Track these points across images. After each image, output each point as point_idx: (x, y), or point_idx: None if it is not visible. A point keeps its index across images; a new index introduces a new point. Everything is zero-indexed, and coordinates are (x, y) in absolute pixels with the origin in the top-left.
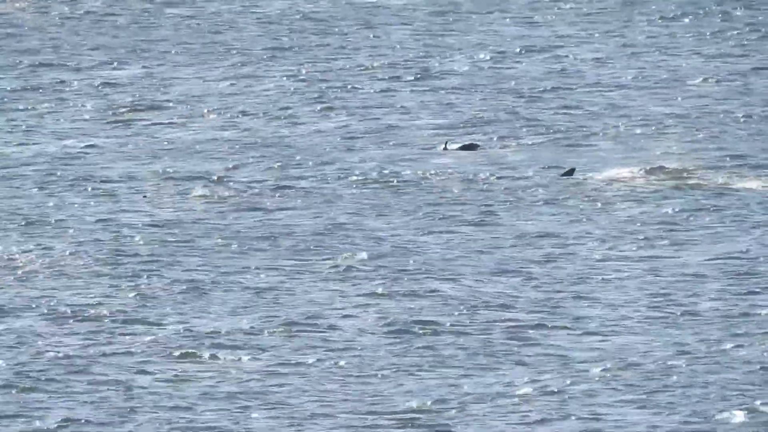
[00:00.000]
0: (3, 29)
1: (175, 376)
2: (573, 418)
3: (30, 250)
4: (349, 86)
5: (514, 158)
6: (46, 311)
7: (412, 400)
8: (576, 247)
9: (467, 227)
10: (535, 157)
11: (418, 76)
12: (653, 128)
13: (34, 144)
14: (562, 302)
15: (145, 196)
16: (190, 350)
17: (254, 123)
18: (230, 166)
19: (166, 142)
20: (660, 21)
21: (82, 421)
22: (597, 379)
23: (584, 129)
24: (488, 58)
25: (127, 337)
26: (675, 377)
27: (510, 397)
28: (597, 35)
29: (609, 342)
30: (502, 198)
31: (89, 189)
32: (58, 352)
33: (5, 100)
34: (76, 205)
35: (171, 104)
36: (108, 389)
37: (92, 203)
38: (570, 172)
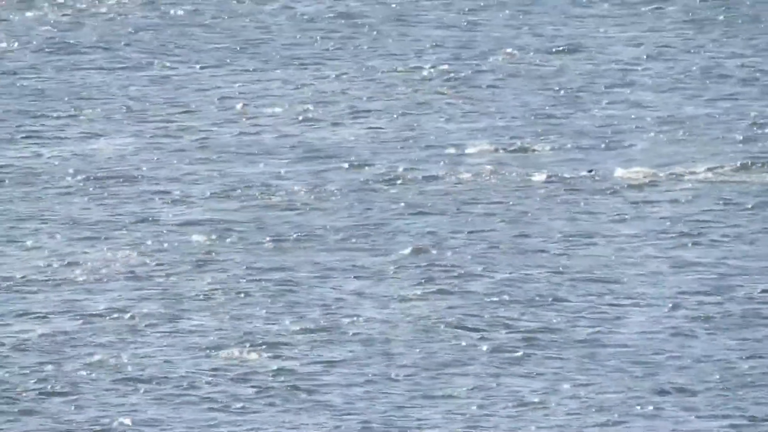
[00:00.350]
0: (39, 32)
1: (212, 375)
2: (612, 422)
3: (67, 254)
4: (382, 87)
5: (547, 158)
6: (83, 313)
7: (442, 401)
8: (609, 248)
9: (500, 226)
10: (567, 156)
11: (452, 76)
12: (686, 128)
13: (69, 146)
14: (597, 302)
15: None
16: (228, 350)
17: (288, 125)
18: (265, 167)
19: (201, 144)
20: (692, 21)
21: (115, 423)
22: (633, 381)
23: (617, 129)
24: (522, 57)
25: (164, 337)
26: (713, 380)
27: (540, 402)
28: (630, 35)
29: (643, 342)
30: (535, 197)
31: (123, 190)
32: (94, 354)
33: (40, 101)
34: (112, 207)
35: (205, 106)
36: (143, 390)
37: (128, 205)
38: (589, 172)
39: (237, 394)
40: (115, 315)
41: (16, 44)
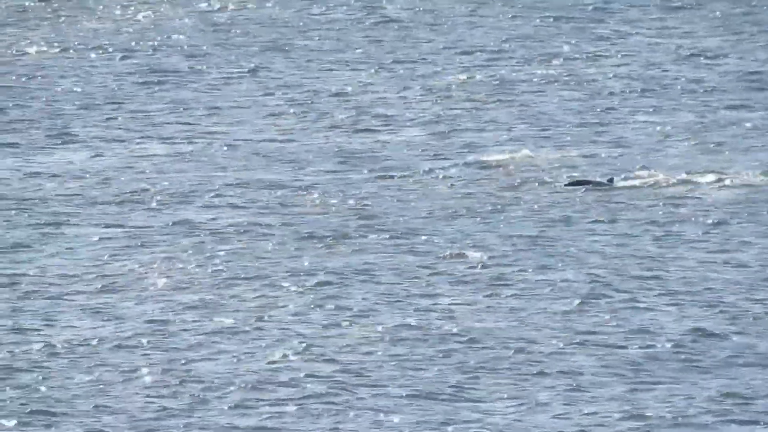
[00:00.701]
0: (78, 38)
1: (250, 379)
2: (650, 427)
3: (103, 259)
4: (418, 93)
5: (582, 163)
6: (118, 318)
7: (478, 404)
8: (643, 251)
9: (535, 229)
10: (603, 161)
11: (488, 82)
12: (729, 134)
13: (104, 150)
14: (631, 306)
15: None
16: (265, 353)
17: (324, 130)
18: (301, 172)
19: (237, 149)
20: (728, 28)
21: (153, 424)
22: (671, 386)
23: (652, 134)
24: (557, 63)
25: (200, 341)
26: (753, 385)
27: (573, 408)
28: (669, 40)
29: (680, 343)
30: (570, 201)
31: (160, 196)
32: (129, 358)
33: (77, 106)
34: (148, 212)
35: (241, 111)
36: (178, 395)
37: (165, 209)
38: (610, 180)
39: (274, 398)
40: (151, 319)
41: (56, 49)
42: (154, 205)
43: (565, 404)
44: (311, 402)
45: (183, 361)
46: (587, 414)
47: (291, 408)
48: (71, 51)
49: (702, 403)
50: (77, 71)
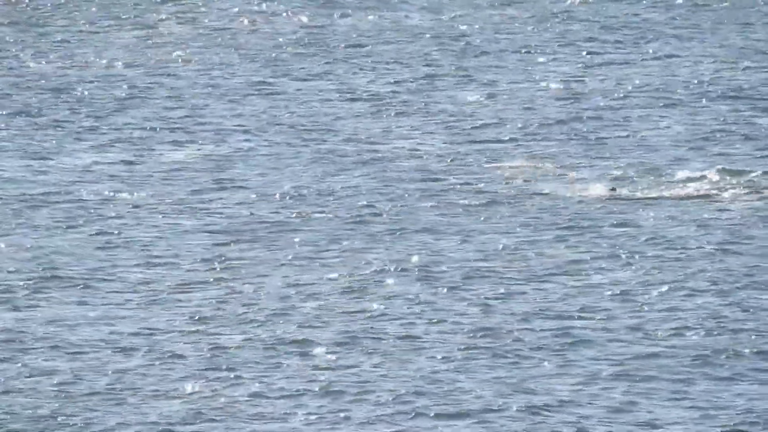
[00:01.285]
0: (130, 48)
1: (288, 390)
2: None
3: (121, 271)
4: (443, 103)
5: (604, 172)
6: (142, 332)
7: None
8: (671, 260)
9: (568, 237)
10: (625, 171)
11: (512, 90)
12: (752, 140)
13: (155, 154)
14: (659, 316)
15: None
16: (306, 362)
17: (349, 140)
18: (326, 180)
19: (269, 159)
20: (757, 30)
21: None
22: (712, 402)
23: (679, 140)
24: (576, 75)
25: (237, 353)
26: None
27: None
28: (690, 44)
29: (722, 352)
30: (593, 211)
31: (207, 198)
32: (159, 376)
33: (126, 110)
34: (194, 215)
35: (265, 121)
36: (186, 404)
37: (182, 220)
38: (612, 190)
39: (309, 408)
40: (166, 329)
41: (74, 60)
42: (169, 212)
43: (591, 404)
44: (340, 410)
45: (203, 374)
46: (612, 416)
47: (329, 416)
48: (89, 62)
49: (722, 410)
50: (94, 81)
